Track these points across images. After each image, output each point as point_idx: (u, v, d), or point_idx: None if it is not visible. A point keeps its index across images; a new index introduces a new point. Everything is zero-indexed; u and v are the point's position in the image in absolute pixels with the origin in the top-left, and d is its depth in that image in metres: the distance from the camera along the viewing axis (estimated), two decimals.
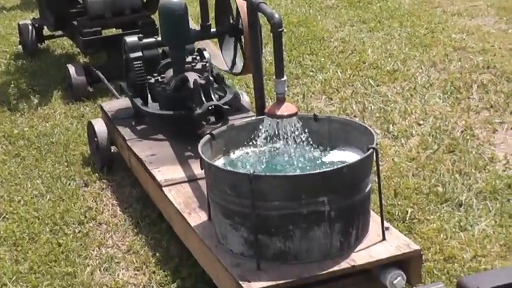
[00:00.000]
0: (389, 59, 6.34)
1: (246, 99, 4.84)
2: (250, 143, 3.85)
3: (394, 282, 3.45)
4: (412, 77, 6.02)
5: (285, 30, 4.14)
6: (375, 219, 3.70)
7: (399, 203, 4.36)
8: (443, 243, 3.99)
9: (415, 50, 6.50)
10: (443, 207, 4.30)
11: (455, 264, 3.81)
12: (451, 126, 5.20)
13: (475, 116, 5.36)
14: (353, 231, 3.55)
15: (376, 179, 3.62)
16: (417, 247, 3.58)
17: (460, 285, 2.52)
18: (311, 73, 6.25)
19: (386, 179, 4.59)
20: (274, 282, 3.38)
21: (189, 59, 4.74)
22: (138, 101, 4.71)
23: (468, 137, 5.05)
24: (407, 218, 4.22)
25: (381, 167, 4.52)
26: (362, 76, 6.11)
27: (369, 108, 5.58)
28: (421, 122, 5.30)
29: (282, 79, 3.66)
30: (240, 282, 3.37)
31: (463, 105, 5.51)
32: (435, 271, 3.76)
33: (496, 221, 4.15)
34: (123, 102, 5.09)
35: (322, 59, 6.45)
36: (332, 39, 6.89)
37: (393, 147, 5.01)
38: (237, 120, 4.19)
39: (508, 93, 5.61)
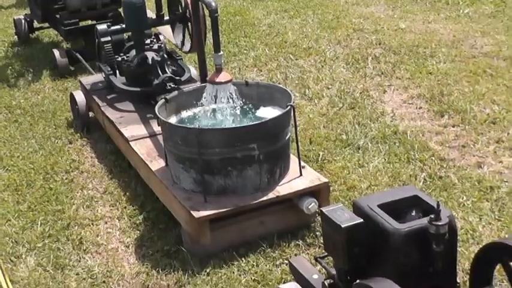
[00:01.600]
0: (305, 39, 6.32)
1: (193, 72, 4.80)
2: (197, 105, 3.85)
3: (309, 207, 3.50)
4: (323, 52, 6.02)
5: (220, 16, 4.10)
6: (294, 160, 3.73)
7: (313, 148, 4.39)
8: (346, 177, 4.04)
9: (324, 32, 6.48)
10: (346, 150, 4.34)
11: (355, 192, 3.87)
12: (352, 89, 5.23)
13: (370, 80, 5.39)
14: (277, 170, 3.58)
15: (294, 129, 3.64)
16: (326, 180, 3.63)
17: (355, 204, 2.55)
18: (245, 51, 6.21)
19: (304, 130, 4.61)
20: (217, 211, 3.41)
21: (148, 41, 4.68)
22: (114, 79, 4.65)
23: (365, 97, 5.09)
24: (319, 160, 4.25)
25: (298, 122, 4.56)
26: (284, 52, 6.09)
27: (290, 77, 5.57)
28: (330, 87, 5.31)
29: (219, 53, 3.65)
30: (191, 212, 3.38)
31: (361, 73, 5.54)
32: (340, 198, 3.81)
33: (385, 159, 4.21)
34: (98, 77, 5.02)
35: (254, 40, 6.42)
36: (261, 25, 6.85)
37: (308, 106, 5.02)
38: (186, 87, 4.17)
39: (395, 63, 5.65)
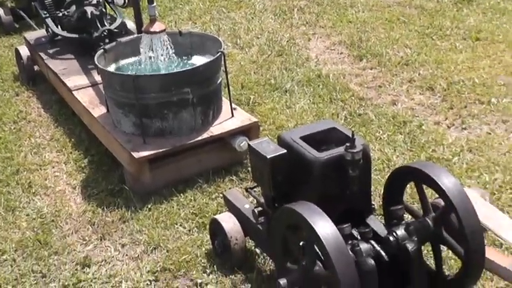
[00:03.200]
0: None
1: (131, 24, 4.69)
2: (134, 54, 3.77)
3: (241, 145, 3.49)
4: (253, 5, 5.95)
5: None
6: (226, 103, 3.70)
7: (245, 92, 4.37)
8: (275, 117, 4.04)
9: None
10: (275, 93, 4.33)
11: (283, 131, 3.86)
12: (280, 38, 5.20)
13: (296, 30, 5.37)
14: (210, 112, 3.55)
15: (225, 75, 3.61)
16: (256, 120, 3.62)
17: (280, 137, 2.56)
18: (180, 5, 6.10)
19: (235, 76, 4.58)
20: (155, 151, 3.37)
21: None
22: (56, 29, 4.52)
23: (291, 45, 5.07)
24: (250, 103, 4.23)
25: (231, 69, 4.54)
26: (217, 6, 6.00)
27: (223, 28, 5.50)
28: (259, 36, 5.27)
29: (153, 5, 3.56)
30: (132, 153, 3.34)
31: (287, 23, 5.51)
32: (269, 136, 3.80)
33: (310, 100, 4.22)
34: (41, 32, 4.86)
35: None
36: None
37: (240, 55, 4.98)
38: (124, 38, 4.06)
39: (318, 13, 5.63)
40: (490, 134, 3.75)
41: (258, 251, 2.96)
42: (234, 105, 3.68)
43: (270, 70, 4.66)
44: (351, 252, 2.23)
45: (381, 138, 3.75)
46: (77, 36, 4.39)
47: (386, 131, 3.81)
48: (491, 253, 2.47)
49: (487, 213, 2.61)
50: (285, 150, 2.45)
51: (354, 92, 4.28)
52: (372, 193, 2.88)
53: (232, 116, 3.62)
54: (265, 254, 2.89)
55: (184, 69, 3.51)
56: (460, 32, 5.08)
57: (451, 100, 4.11)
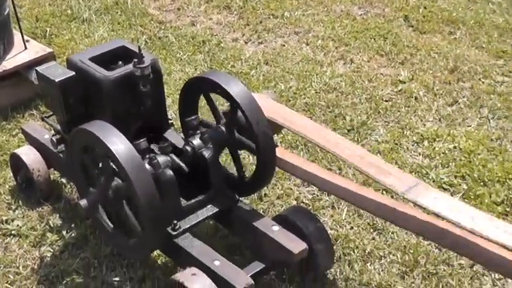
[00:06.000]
0: None
1: None
2: None
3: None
4: None
5: None
6: (18, 36, 3.52)
7: (40, 25, 4.16)
8: (74, 47, 3.90)
9: None
10: (72, 24, 4.18)
11: None
12: None
13: None
14: (0, 46, 3.36)
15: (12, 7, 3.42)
16: (51, 50, 3.50)
17: (68, 60, 2.45)
18: None
19: (30, 10, 4.33)
20: None
21: None
22: None
23: None
24: (47, 35, 4.05)
25: (23, 2, 4.29)
26: None
27: None
28: None
29: None
30: None
31: None
32: None
33: (109, 28, 4.12)
34: None
35: None
36: None
37: None
38: None
39: None
40: (284, 45, 3.91)
41: (64, 181, 2.91)
42: (26, 38, 3.51)
43: (66, 1, 4.47)
44: (148, 165, 2.26)
45: (181, 59, 3.77)
46: None
47: (186, 52, 3.84)
48: (288, 156, 2.61)
49: (272, 108, 2.72)
50: (74, 73, 2.39)
51: (153, 16, 4.24)
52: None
53: (26, 48, 3.46)
54: (72, 183, 2.85)
55: None
56: None
57: (247, 17, 4.21)
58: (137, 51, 2.38)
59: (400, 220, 2.27)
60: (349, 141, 2.65)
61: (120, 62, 2.42)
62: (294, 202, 2.76)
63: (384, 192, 2.73)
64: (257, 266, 2.29)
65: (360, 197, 2.34)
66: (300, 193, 2.81)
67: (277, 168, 2.48)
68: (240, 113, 2.32)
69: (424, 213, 2.25)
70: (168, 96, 3.30)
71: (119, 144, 2.11)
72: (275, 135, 3.00)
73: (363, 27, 4.05)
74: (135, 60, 2.34)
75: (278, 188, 2.83)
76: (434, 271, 2.46)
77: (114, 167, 2.16)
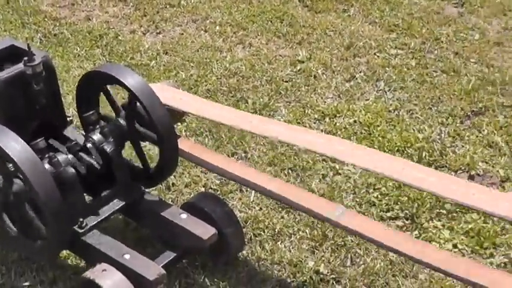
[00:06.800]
0: None
1: None
2: None
3: None
4: None
5: None
6: None
7: None
8: None
9: None
10: None
11: None
12: None
13: None
14: None
15: None
16: None
17: None
18: None
19: None
20: None
21: None
22: None
23: None
24: None
25: None
26: None
27: None
28: None
29: None
30: None
31: None
32: None
33: (1, 28, 3.98)
34: None
35: None
36: None
37: None
38: None
39: None
40: (182, 34, 3.90)
41: None
42: None
43: None
44: (48, 165, 2.21)
45: (79, 54, 3.70)
46: None
47: (84, 47, 3.76)
48: (188, 146, 2.62)
49: (172, 96, 2.72)
50: None
51: (47, 13, 4.13)
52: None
53: None
54: None
55: None
56: None
57: (144, 8, 4.16)
58: (27, 49, 2.32)
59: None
60: (254, 115, 2.71)
61: (11, 62, 2.35)
62: (202, 189, 2.78)
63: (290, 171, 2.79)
64: (168, 256, 2.29)
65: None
66: (207, 179, 2.83)
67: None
68: (138, 104, 2.31)
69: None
70: (68, 94, 3.24)
71: (14, 145, 2.06)
72: (178, 123, 3.00)
73: (259, 11, 4.10)
74: (26, 58, 2.28)
75: (185, 176, 2.84)
76: (343, 243, 2.53)
77: (12, 169, 2.11)
